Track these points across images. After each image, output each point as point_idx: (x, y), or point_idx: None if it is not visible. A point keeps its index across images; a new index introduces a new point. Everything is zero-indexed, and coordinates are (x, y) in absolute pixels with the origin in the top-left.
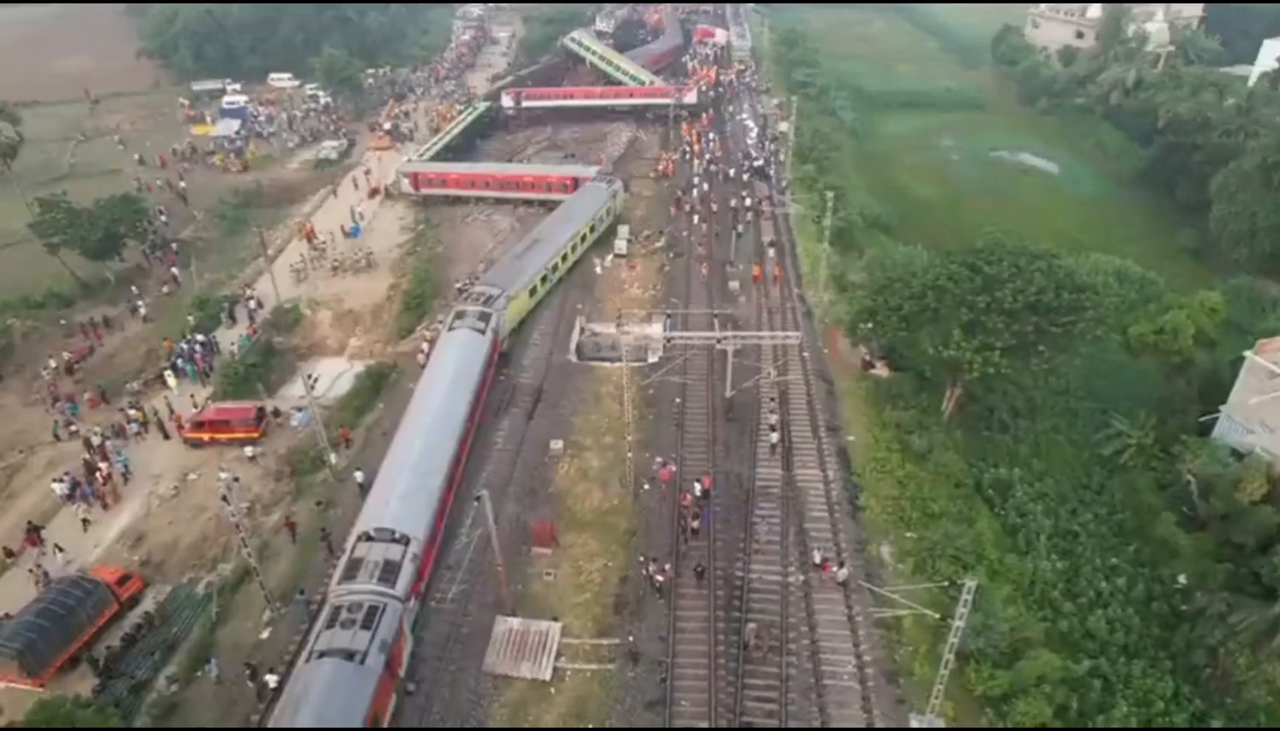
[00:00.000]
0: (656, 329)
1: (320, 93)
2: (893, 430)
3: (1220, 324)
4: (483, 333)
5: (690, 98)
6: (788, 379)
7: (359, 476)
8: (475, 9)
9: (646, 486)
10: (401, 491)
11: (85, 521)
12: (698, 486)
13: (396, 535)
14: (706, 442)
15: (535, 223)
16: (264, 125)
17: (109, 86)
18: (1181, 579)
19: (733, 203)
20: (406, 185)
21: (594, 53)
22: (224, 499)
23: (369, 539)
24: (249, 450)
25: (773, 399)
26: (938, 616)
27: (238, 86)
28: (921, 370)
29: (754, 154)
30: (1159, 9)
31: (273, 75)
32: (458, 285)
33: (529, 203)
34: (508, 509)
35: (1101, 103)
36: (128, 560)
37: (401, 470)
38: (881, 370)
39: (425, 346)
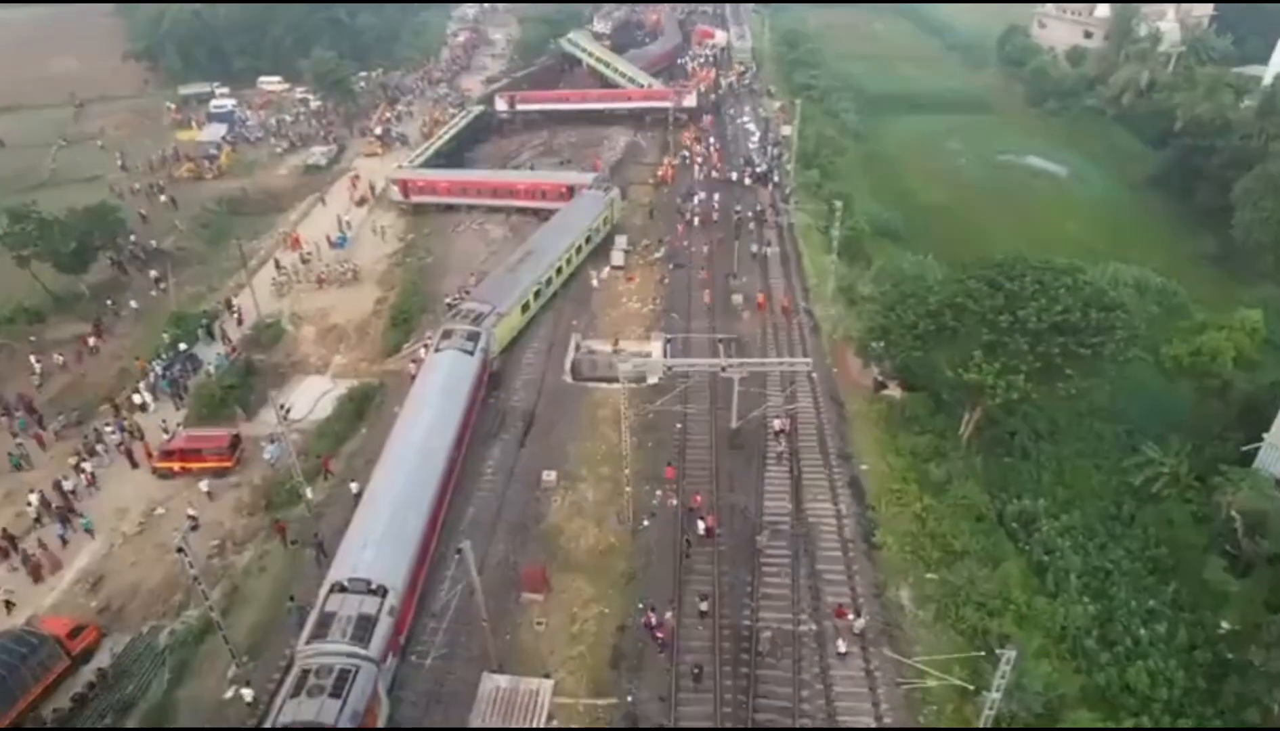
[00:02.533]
0: (656, 347)
1: (310, 96)
2: (909, 458)
3: (1259, 343)
4: (471, 354)
5: (690, 101)
6: (795, 406)
7: (354, 487)
8: (470, 10)
9: (646, 523)
10: (379, 535)
11: (8, 603)
12: (700, 524)
13: (372, 586)
14: (710, 474)
15: (529, 232)
16: (252, 130)
17: (96, 89)
18: (1225, 624)
19: (736, 211)
20: (396, 193)
21: (591, 55)
22: (179, 551)
23: (342, 590)
24: (204, 484)
25: (779, 417)
26: (971, 688)
27: (226, 90)
28: (938, 391)
29: (756, 159)
30: (1169, 8)
31: (262, 78)
32: (447, 300)
33: (523, 211)
34: (496, 549)
35: (1113, 104)
36: (84, 606)
37: (380, 510)
38: (895, 391)
39: (413, 366)
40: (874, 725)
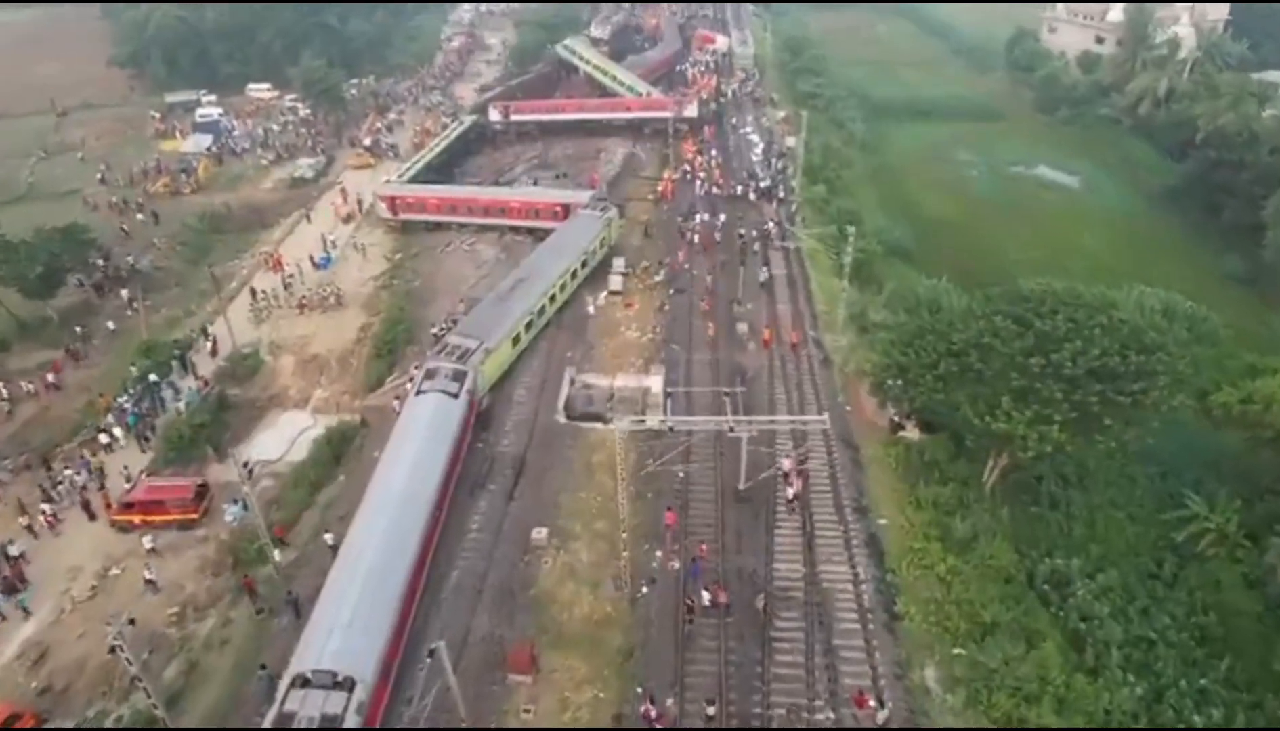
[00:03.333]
0: (656, 381)
1: (299, 105)
2: (930, 511)
3: None
4: (456, 396)
5: (690, 111)
6: (807, 465)
7: (329, 538)
8: (466, 14)
9: (644, 589)
10: (348, 617)
11: None
12: (706, 595)
13: (339, 678)
14: (715, 531)
15: (522, 253)
16: (238, 140)
17: (82, 96)
18: None
19: (740, 234)
20: (383, 209)
21: (588, 62)
22: (115, 650)
23: (304, 684)
24: (149, 540)
25: (788, 457)
26: None
27: (213, 97)
28: (959, 433)
29: (759, 173)
30: (1184, 10)
31: (251, 85)
32: (434, 330)
33: (516, 230)
34: (480, 622)
35: (1129, 113)
36: (23, 687)
37: (351, 583)
38: (912, 431)
39: (396, 403)
40: (877, 726)
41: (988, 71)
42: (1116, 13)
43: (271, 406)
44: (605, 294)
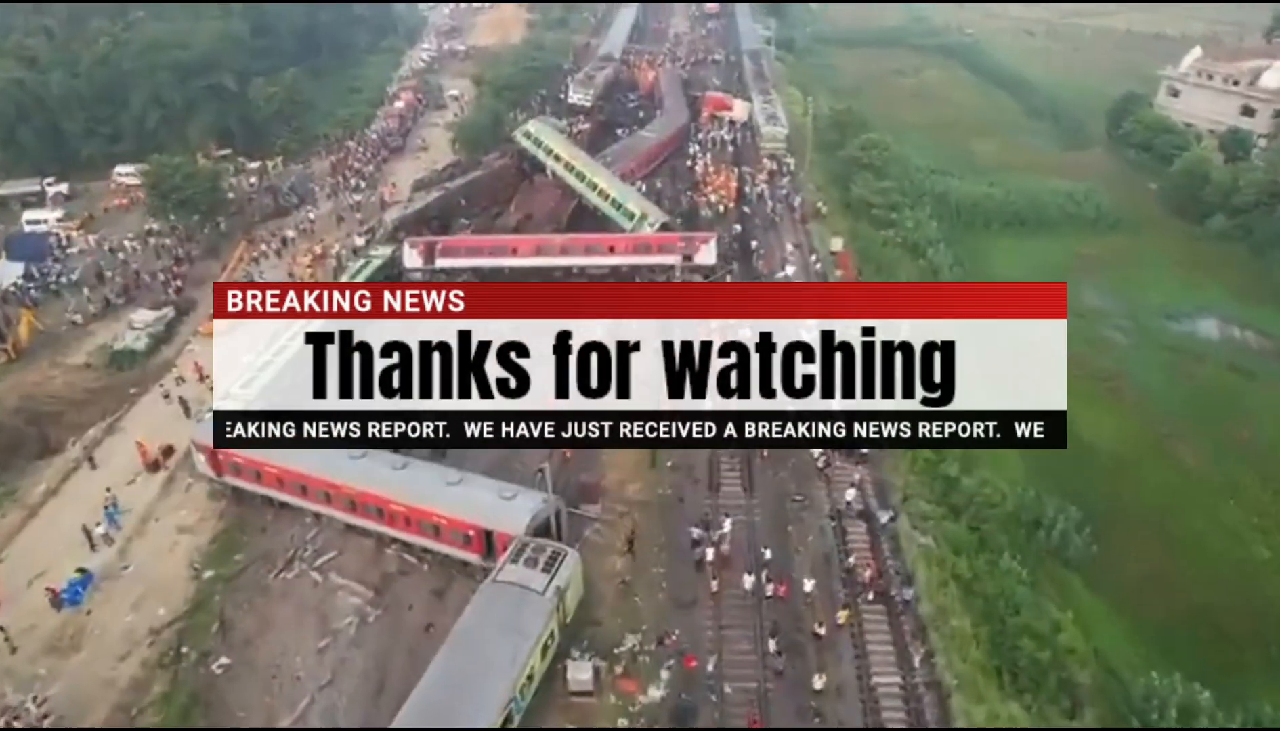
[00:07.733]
0: None
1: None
2: None
3: None
4: None
5: (706, 255)
6: None
7: None
8: (425, 52)
9: None
10: None
11: None
12: None
13: None
14: None
15: (408, 598)
16: (70, 264)
17: None
18: None
19: (808, 595)
20: (203, 464)
21: (558, 158)
22: None
23: None
24: None
25: None
26: None
27: (63, 188)
28: None
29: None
30: None
31: (119, 169)
32: None
33: (405, 543)
34: None
35: None
36: None
37: None
38: None
39: None
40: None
41: (1082, 144)
42: (1274, 75)
43: None
44: None
